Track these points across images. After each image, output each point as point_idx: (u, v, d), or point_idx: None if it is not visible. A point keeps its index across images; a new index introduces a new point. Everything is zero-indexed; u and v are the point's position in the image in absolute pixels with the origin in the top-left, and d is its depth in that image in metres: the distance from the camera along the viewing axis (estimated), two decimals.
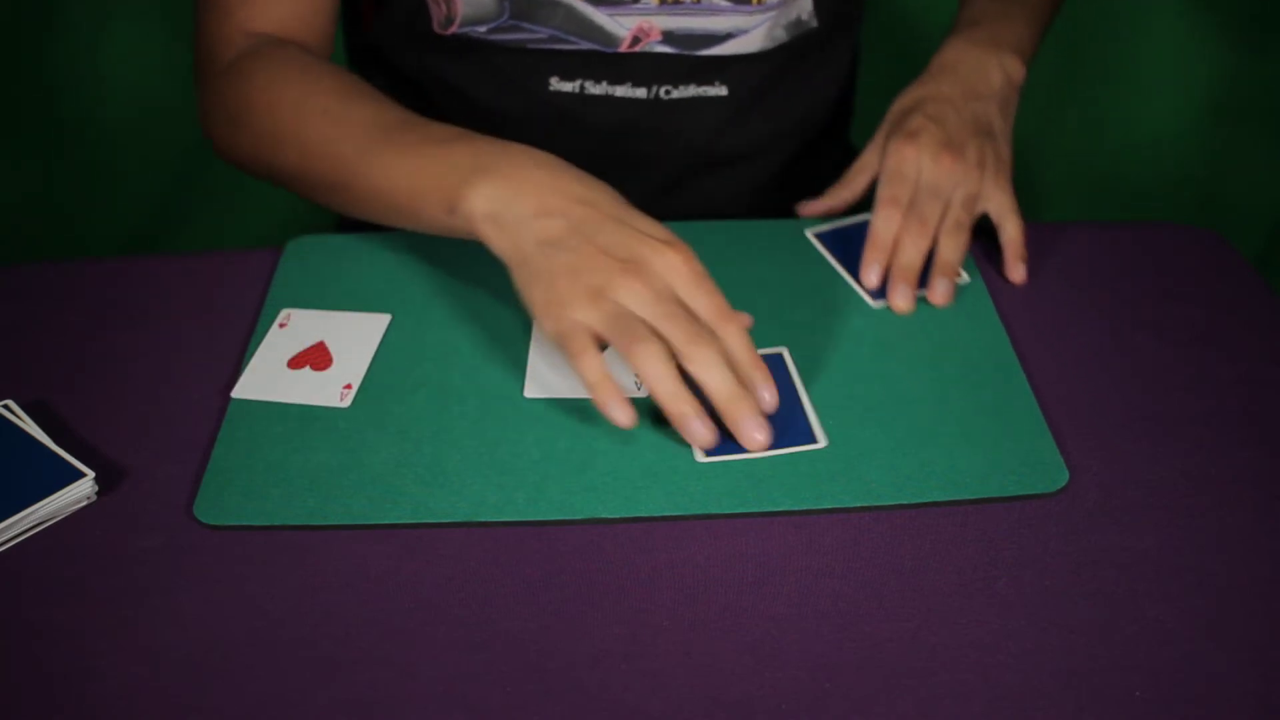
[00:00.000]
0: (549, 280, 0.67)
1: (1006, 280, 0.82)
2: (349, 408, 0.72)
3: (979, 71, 0.87)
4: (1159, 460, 0.68)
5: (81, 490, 0.66)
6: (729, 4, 0.87)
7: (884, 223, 0.80)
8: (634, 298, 0.66)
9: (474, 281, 0.81)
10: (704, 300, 0.67)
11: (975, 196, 0.81)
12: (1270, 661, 0.58)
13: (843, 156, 1.10)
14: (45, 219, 1.52)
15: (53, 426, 0.70)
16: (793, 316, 0.78)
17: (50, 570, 0.63)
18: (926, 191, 0.80)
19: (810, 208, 0.87)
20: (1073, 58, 1.49)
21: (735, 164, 0.98)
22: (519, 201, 0.69)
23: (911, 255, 0.79)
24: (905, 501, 0.65)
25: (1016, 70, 0.88)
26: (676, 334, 0.66)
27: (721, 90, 0.92)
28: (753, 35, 0.90)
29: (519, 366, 0.74)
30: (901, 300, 0.78)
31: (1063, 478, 0.67)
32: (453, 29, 0.89)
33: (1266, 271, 0.91)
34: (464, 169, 0.70)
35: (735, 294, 0.80)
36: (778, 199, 0.97)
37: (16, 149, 1.54)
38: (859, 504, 0.65)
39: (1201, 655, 0.58)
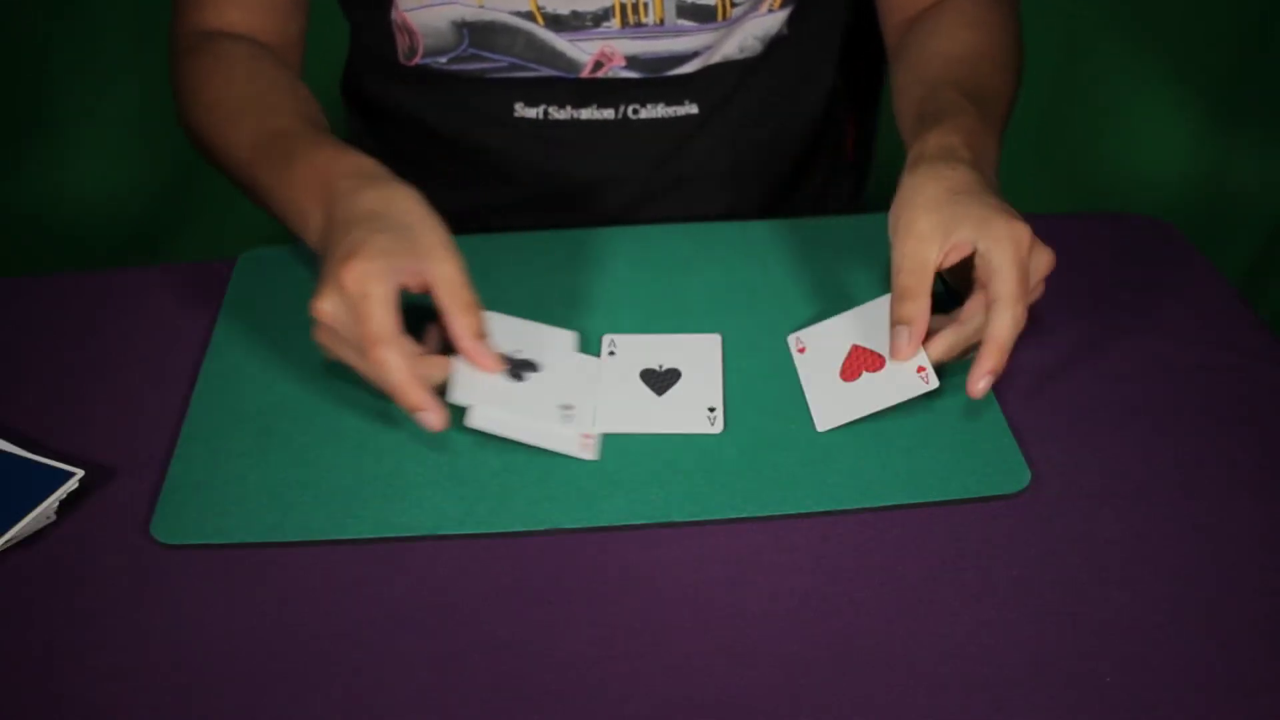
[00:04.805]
0: None
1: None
2: (308, 421, 0.71)
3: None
4: (1120, 450, 0.69)
5: (70, 489, 0.66)
6: (693, 24, 0.87)
7: (1013, 326, 0.66)
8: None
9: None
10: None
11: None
12: (1230, 641, 0.59)
13: (832, 173, 1.08)
14: (45, 220, 1.50)
15: (46, 431, 0.70)
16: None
17: (35, 578, 0.63)
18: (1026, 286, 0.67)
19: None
20: (1074, 58, 1.50)
21: (714, 181, 0.97)
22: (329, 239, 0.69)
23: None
24: (872, 505, 0.66)
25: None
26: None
27: (692, 109, 0.92)
28: (719, 48, 0.89)
29: None
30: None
31: (1025, 476, 0.67)
32: (415, 60, 0.90)
33: (1265, 271, 0.91)
34: (304, 213, 0.72)
35: (716, 295, 0.80)
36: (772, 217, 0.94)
37: (17, 151, 1.52)
38: (828, 508, 0.65)
39: (1167, 639, 0.59)
